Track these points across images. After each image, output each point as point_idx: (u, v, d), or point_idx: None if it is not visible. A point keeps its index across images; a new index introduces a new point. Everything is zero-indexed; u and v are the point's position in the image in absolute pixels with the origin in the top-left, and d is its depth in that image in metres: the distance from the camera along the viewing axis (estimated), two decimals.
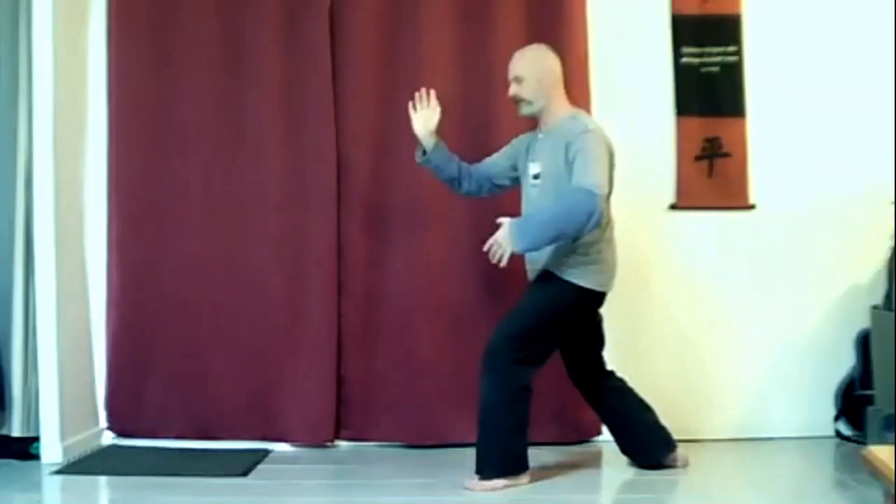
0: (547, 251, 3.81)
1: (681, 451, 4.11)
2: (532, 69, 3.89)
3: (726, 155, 4.60)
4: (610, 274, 3.91)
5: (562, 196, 3.74)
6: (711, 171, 4.60)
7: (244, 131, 4.52)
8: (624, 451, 4.14)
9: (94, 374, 4.57)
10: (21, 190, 4.24)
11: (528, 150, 4.00)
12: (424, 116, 4.04)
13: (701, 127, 4.60)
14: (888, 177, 4.39)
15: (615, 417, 4.13)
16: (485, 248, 3.73)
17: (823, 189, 4.61)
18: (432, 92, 4.04)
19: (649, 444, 4.09)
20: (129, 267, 4.52)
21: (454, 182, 4.13)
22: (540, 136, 3.95)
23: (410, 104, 4.04)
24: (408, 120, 4.35)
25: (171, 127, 4.53)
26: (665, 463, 4.07)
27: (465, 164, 4.12)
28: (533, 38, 4.42)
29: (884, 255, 4.45)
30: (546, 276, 3.85)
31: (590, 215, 3.64)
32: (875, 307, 4.39)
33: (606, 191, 3.75)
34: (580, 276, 3.81)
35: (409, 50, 4.49)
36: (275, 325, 4.50)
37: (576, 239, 3.74)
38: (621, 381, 4.12)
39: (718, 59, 4.60)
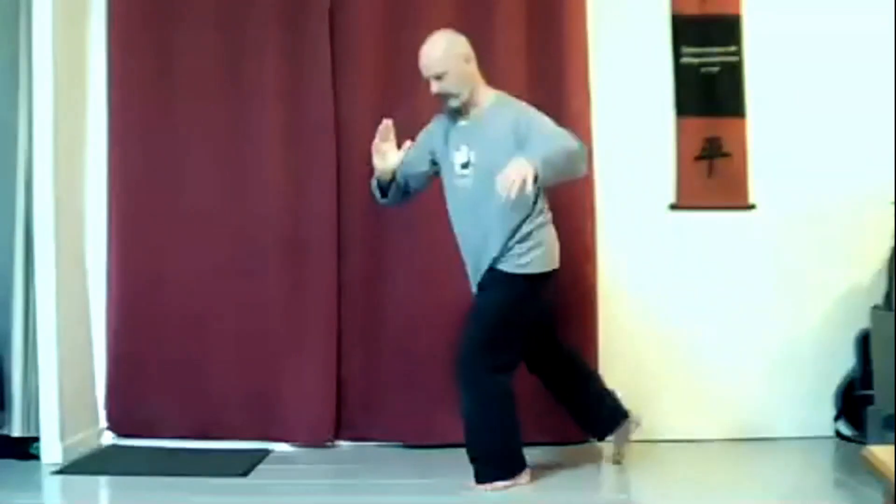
0: (489, 248, 3.74)
1: (633, 413, 4.11)
2: (450, 62, 3.75)
3: (726, 155, 4.60)
4: (553, 252, 3.84)
5: (546, 140, 3.62)
6: (711, 171, 4.60)
7: (244, 131, 4.52)
8: (580, 425, 4.13)
9: (94, 374, 4.57)
10: (21, 190, 4.24)
11: (447, 139, 3.87)
12: (389, 150, 3.86)
13: (701, 127, 4.60)
14: (888, 177, 4.39)
15: (565, 392, 4.07)
16: (498, 189, 3.48)
17: (823, 189, 4.60)
18: (389, 122, 3.87)
19: (598, 414, 4.07)
20: (129, 267, 4.53)
21: (400, 200, 4.04)
22: (463, 122, 3.82)
23: (377, 138, 3.85)
24: (407, 120, 4.37)
25: (170, 127, 4.53)
26: (619, 430, 4.07)
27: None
28: (533, 38, 4.44)
29: (884, 255, 4.45)
30: (493, 275, 3.78)
31: (582, 147, 3.65)
32: (875, 307, 4.39)
33: None
34: (528, 265, 3.75)
35: (409, 51, 4.46)
36: (275, 326, 4.50)
37: (568, 172, 3.68)
38: (568, 353, 4.06)
39: (718, 59, 4.60)
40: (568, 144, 3.64)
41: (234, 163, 4.53)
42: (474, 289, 3.90)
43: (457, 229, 3.90)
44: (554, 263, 3.85)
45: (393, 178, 3.92)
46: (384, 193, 3.96)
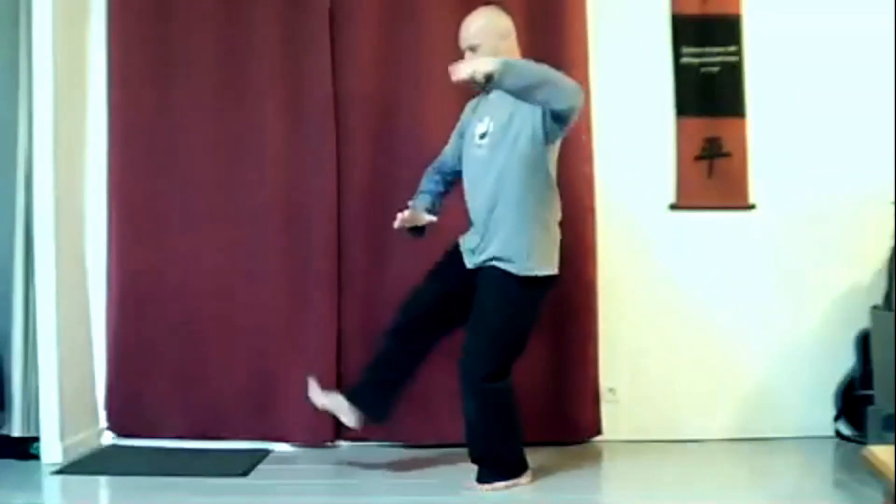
0: (496, 221, 3.73)
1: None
2: (484, 36, 3.80)
3: (726, 155, 4.60)
4: (557, 255, 3.84)
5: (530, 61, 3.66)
6: (711, 171, 4.60)
7: (244, 131, 4.52)
8: (362, 394, 3.96)
9: (94, 374, 4.57)
10: (21, 190, 4.24)
11: (473, 114, 3.93)
12: (412, 218, 3.89)
13: (701, 127, 4.60)
14: (888, 177, 4.39)
15: (400, 366, 3.92)
16: (451, 69, 3.56)
17: (823, 189, 4.61)
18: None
19: (377, 398, 3.95)
20: (129, 267, 4.52)
21: (447, 193, 4.09)
22: (492, 95, 3.84)
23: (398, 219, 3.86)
24: (408, 119, 4.39)
25: (170, 127, 4.53)
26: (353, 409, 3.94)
27: (437, 182, 4.06)
28: (533, 37, 4.43)
29: (884, 255, 4.45)
30: (495, 273, 3.73)
31: (573, 87, 3.59)
32: (875, 307, 4.39)
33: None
34: (535, 268, 3.72)
35: (409, 50, 4.49)
36: (275, 325, 4.50)
37: (559, 119, 3.63)
38: (430, 349, 3.95)
39: (718, 59, 4.60)
40: (550, 73, 3.62)
41: (234, 163, 4.53)
42: (468, 263, 3.84)
43: (469, 204, 3.90)
44: (556, 267, 3.84)
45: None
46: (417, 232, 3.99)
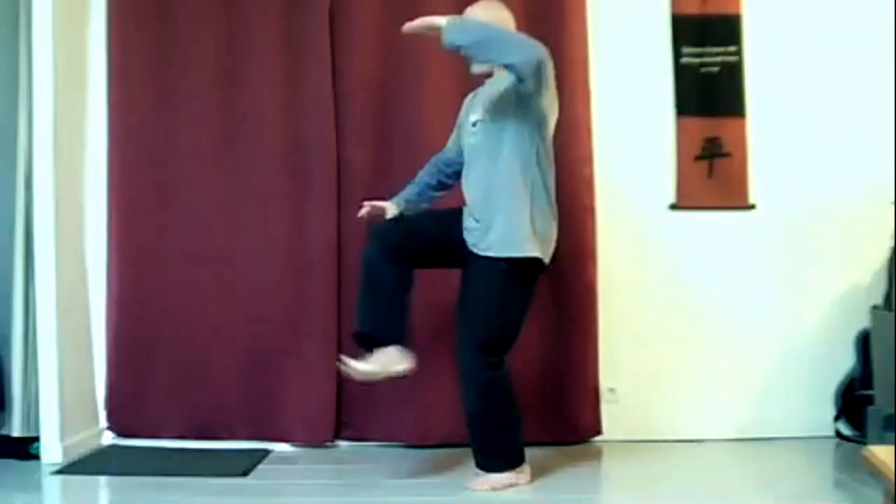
0: (491, 208, 3.71)
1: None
2: None
3: (726, 155, 4.60)
4: (552, 245, 3.82)
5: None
6: (711, 171, 4.61)
7: (244, 131, 4.52)
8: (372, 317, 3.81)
9: (94, 374, 4.57)
10: (21, 190, 4.24)
11: (470, 106, 3.97)
12: (377, 210, 3.98)
13: (701, 127, 4.60)
14: (888, 177, 4.39)
15: (397, 290, 3.82)
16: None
17: (823, 189, 4.61)
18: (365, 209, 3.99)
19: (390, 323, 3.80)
20: (129, 267, 4.53)
21: (442, 190, 4.10)
22: (487, 83, 3.88)
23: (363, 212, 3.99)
24: (408, 119, 4.39)
25: (171, 127, 4.54)
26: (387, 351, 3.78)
27: (432, 174, 4.06)
28: (532, 36, 4.43)
29: (884, 255, 4.45)
30: (487, 263, 3.72)
31: (534, 48, 3.59)
32: (875, 307, 4.39)
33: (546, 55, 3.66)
34: (532, 247, 3.70)
35: (409, 49, 4.48)
36: (275, 325, 4.50)
37: (521, 79, 3.60)
38: (411, 276, 3.87)
39: (718, 59, 4.61)
40: (504, 31, 3.71)
41: (234, 162, 4.53)
42: (467, 242, 3.81)
43: (464, 191, 3.89)
44: (545, 254, 3.80)
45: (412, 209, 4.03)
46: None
